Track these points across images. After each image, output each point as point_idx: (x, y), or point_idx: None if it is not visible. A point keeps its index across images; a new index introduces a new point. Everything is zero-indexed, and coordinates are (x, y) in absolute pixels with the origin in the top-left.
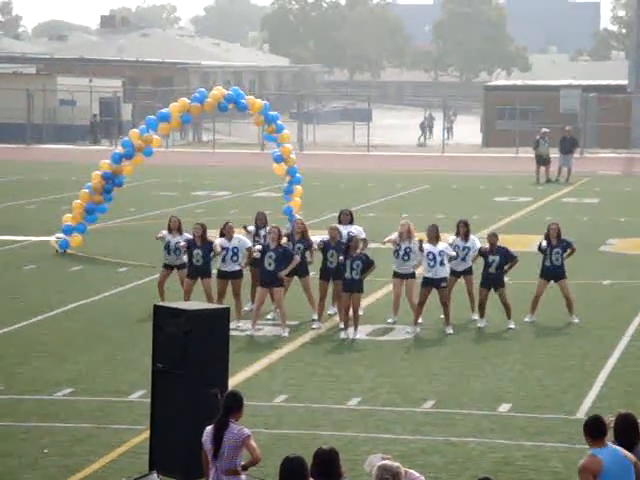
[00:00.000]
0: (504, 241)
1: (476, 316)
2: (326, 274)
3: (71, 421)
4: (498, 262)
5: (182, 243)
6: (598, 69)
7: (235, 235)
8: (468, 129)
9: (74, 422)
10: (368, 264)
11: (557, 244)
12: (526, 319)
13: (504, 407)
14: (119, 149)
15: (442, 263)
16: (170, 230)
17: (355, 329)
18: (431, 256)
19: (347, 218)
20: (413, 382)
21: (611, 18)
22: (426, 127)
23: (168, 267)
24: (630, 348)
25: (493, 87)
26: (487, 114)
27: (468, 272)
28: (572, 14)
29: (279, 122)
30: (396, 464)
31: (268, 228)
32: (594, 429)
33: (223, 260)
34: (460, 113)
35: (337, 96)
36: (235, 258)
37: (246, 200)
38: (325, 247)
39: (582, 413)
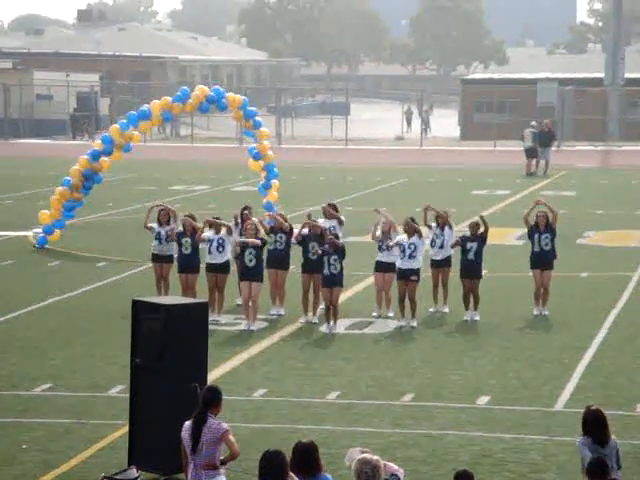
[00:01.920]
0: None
1: (446, 308)
2: (308, 267)
3: (50, 416)
4: (476, 248)
5: (170, 227)
6: (575, 62)
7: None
8: (446, 122)
9: (53, 417)
10: (343, 254)
11: (545, 230)
12: (535, 312)
13: (483, 400)
14: (97, 144)
15: (412, 256)
16: (160, 223)
17: (334, 323)
18: (401, 248)
19: (330, 212)
20: (392, 375)
21: (587, 11)
22: (408, 120)
23: (157, 260)
24: (607, 340)
25: (470, 80)
26: (465, 107)
27: (446, 263)
28: (549, 7)
29: (257, 118)
30: (375, 457)
31: (246, 224)
32: (591, 470)
33: (209, 252)
34: (438, 107)
35: (315, 90)
36: (221, 249)
37: (225, 194)
38: (305, 240)
39: (560, 405)
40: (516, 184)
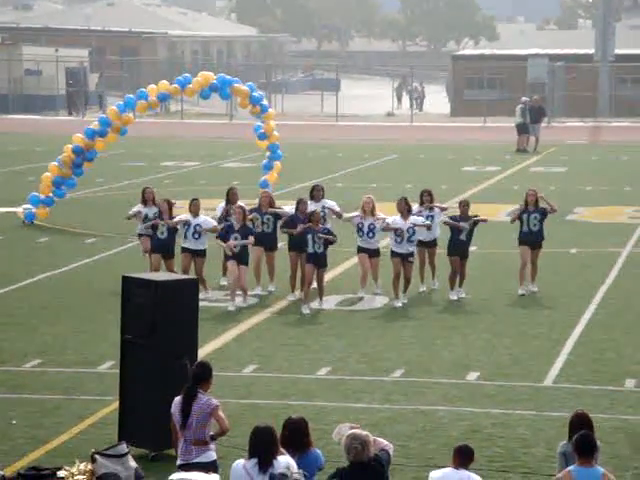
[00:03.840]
0: (473, 211)
1: (437, 284)
2: (295, 246)
3: (40, 392)
4: (469, 229)
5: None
6: (565, 38)
7: (202, 215)
8: (436, 99)
9: (43, 393)
10: (330, 240)
11: (534, 210)
12: (520, 291)
13: (472, 375)
14: (95, 125)
15: (410, 240)
16: (145, 202)
17: (320, 299)
18: (399, 232)
19: (319, 194)
20: (382, 351)
21: None
22: (399, 96)
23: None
24: (596, 316)
25: (461, 57)
26: (455, 84)
27: (433, 244)
28: None
29: (264, 102)
30: (365, 432)
31: (233, 208)
32: (580, 446)
33: (185, 237)
34: (429, 83)
35: (311, 67)
36: (197, 236)
37: (215, 170)
38: (293, 220)
39: (549, 381)
40: (506, 160)
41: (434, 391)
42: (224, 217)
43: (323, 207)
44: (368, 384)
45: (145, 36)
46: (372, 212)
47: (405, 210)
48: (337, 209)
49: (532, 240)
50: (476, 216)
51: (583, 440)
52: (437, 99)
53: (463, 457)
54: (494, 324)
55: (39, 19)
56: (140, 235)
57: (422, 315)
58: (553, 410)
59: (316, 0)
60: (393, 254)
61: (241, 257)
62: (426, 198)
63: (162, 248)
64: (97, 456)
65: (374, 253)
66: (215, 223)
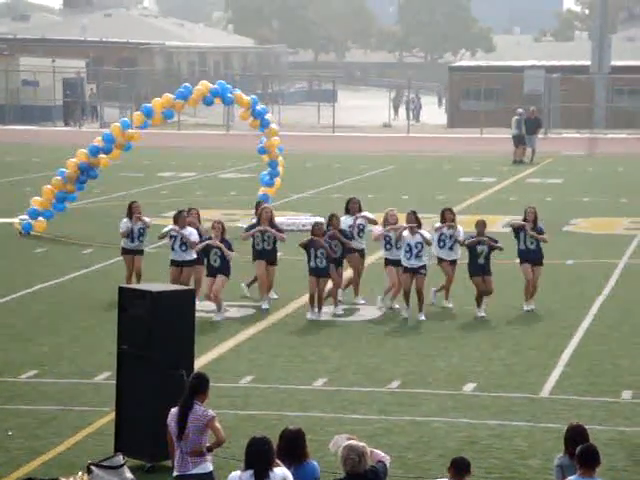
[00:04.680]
0: (470, 221)
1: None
2: (315, 271)
3: (36, 403)
4: (487, 252)
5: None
6: (561, 50)
7: (188, 228)
8: (433, 110)
9: (39, 404)
10: (330, 255)
11: (532, 228)
12: (525, 307)
13: (469, 387)
14: (98, 141)
15: (418, 255)
16: (131, 218)
17: (319, 310)
18: (407, 247)
19: (355, 207)
20: (379, 363)
21: None
22: (395, 107)
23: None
24: (593, 327)
25: (457, 68)
26: (452, 95)
27: (454, 263)
28: None
29: (266, 117)
30: (362, 444)
31: (212, 223)
32: (584, 457)
33: (173, 249)
34: (425, 94)
35: (302, 77)
36: (184, 247)
37: (212, 181)
38: (307, 245)
39: (546, 392)
40: (503, 171)
41: (430, 402)
42: (200, 235)
43: (356, 218)
44: (365, 395)
45: (142, 47)
46: (396, 224)
47: (414, 224)
48: (372, 216)
49: (531, 258)
50: (495, 241)
51: (587, 451)
52: (433, 110)
53: (459, 469)
54: (490, 335)
55: (36, 30)
56: (125, 250)
57: (418, 326)
58: (549, 421)
59: (313, 11)
60: (404, 269)
61: (221, 270)
62: (449, 216)
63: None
64: (93, 467)
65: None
66: (197, 238)
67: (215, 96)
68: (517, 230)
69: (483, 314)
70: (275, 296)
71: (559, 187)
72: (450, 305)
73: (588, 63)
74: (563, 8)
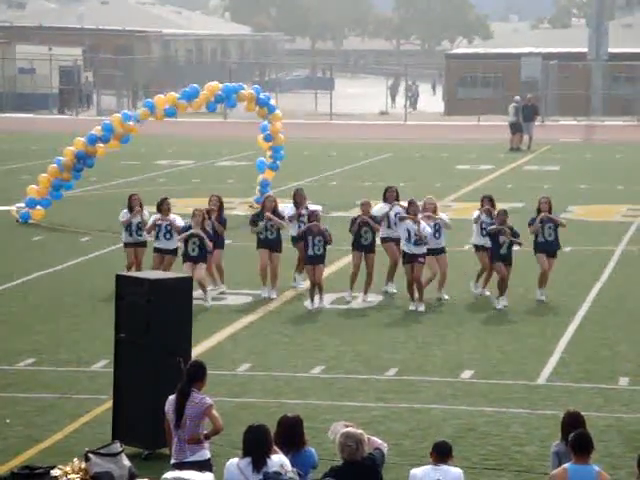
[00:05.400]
0: (467, 209)
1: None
2: (359, 248)
3: (34, 391)
4: (509, 242)
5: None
6: (558, 37)
7: (172, 214)
8: (430, 97)
9: (37, 392)
10: (326, 242)
11: (548, 219)
12: (538, 297)
13: (466, 374)
14: (97, 130)
15: (417, 243)
16: (131, 210)
17: (320, 298)
18: (407, 233)
19: (393, 196)
20: (376, 350)
21: None
22: (392, 95)
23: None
24: (590, 314)
25: (454, 55)
26: (449, 82)
27: (442, 251)
28: None
29: (271, 102)
30: (359, 431)
31: (193, 211)
32: (577, 444)
33: (157, 237)
34: (422, 81)
35: (300, 65)
36: (168, 236)
37: (209, 169)
38: (305, 234)
39: (543, 379)
40: (500, 159)
41: (428, 389)
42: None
43: (392, 206)
44: (362, 383)
45: (139, 35)
46: (434, 212)
47: (414, 212)
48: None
49: (548, 248)
50: (515, 234)
51: (580, 438)
52: (429, 98)
53: (440, 453)
54: (488, 323)
55: (33, 18)
56: (126, 244)
57: (416, 313)
58: (547, 408)
59: None
60: (403, 255)
61: (198, 257)
62: (487, 204)
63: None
64: (91, 455)
65: (440, 252)
66: (182, 224)
67: (219, 102)
68: (495, 235)
69: (501, 306)
70: (274, 295)
71: (556, 174)
72: (445, 297)
73: (585, 50)
74: None
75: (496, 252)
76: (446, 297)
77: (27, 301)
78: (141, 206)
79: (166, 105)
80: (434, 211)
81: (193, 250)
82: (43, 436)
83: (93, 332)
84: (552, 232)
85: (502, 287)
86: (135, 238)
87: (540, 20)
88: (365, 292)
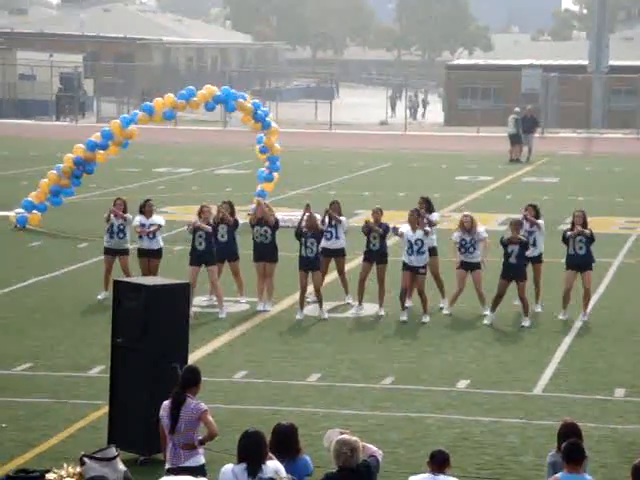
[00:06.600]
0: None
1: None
2: (369, 256)
3: (30, 396)
4: (518, 251)
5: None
6: (559, 49)
7: (155, 215)
8: (430, 108)
9: (33, 397)
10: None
11: (580, 232)
12: (560, 316)
13: (462, 383)
14: (96, 137)
15: (419, 251)
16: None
17: (320, 307)
18: (408, 244)
19: (425, 206)
20: (372, 358)
21: None
22: (392, 105)
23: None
24: (587, 325)
25: (455, 66)
26: (449, 93)
27: (477, 266)
28: None
29: (268, 119)
30: (354, 438)
31: (201, 207)
32: (569, 453)
33: (140, 237)
34: (431, 93)
35: (300, 74)
36: (152, 236)
37: (208, 177)
38: (301, 234)
39: (539, 389)
40: (499, 170)
41: (424, 398)
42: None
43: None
44: (358, 391)
45: (140, 42)
46: (473, 226)
47: (414, 222)
48: (434, 218)
49: (579, 263)
50: (523, 244)
51: (572, 448)
52: (432, 108)
53: (438, 463)
54: (485, 332)
55: (34, 24)
56: (107, 250)
57: (413, 322)
58: (542, 419)
59: (311, 8)
60: (404, 266)
61: (208, 259)
62: (530, 212)
63: (222, 253)
64: (86, 459)
65: (475, 266)
66: (163, 223)
67: (218, 103)
68: (568, 235)
69: (526, 324)
70: (269, 308)
71: (555, 186)
72: (447, 312)
73: (586, 63)
74: (561, 7)
75: (505, 264)
76: (447, 312)
77: (24, 306)
78: (125, 210)
79: (165, 108)
80: (472, 225)
81: (200, 244)
82: (39, 441)
83: (90, 337)
84: (583, 245)
85: (496, 304)
86: (116, 242)
87: (541, 32)
88: (380, 305)
